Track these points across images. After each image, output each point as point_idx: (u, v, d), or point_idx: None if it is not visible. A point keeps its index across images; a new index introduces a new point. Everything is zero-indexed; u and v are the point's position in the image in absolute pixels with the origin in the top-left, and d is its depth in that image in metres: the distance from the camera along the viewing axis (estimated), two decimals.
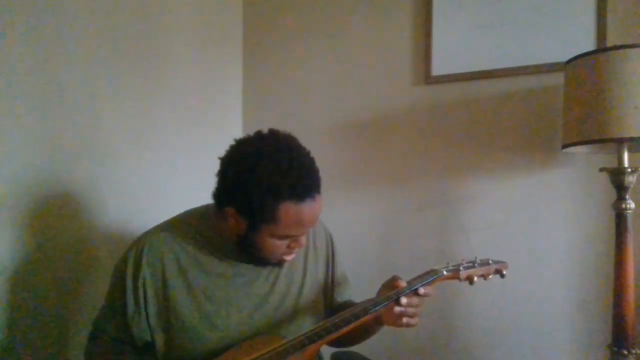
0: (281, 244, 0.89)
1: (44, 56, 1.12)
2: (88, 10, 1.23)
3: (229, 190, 0.88)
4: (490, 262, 0.99)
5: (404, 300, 0.85)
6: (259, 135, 0.90)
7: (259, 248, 0.89)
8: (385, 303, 0.87)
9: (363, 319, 0.86)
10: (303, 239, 0.91)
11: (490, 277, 0.98)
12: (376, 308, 0.86)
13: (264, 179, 0.82)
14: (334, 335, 0.85)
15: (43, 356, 1.13)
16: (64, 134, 1.17)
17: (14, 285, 1.07)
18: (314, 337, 0.85)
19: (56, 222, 1.16)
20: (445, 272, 0.94)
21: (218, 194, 0.91)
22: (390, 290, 0.89)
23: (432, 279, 0.91)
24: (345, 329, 0.85)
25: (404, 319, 0.86)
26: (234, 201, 0.87)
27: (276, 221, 0.84)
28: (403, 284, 0.89)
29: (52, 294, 1.15)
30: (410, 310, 0.86)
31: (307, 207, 0.84)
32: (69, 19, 1.18)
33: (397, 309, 0.86)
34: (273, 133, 0.89)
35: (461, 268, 0.95)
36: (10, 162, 1.06)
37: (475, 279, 0.96)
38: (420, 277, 0.92)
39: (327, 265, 1.09)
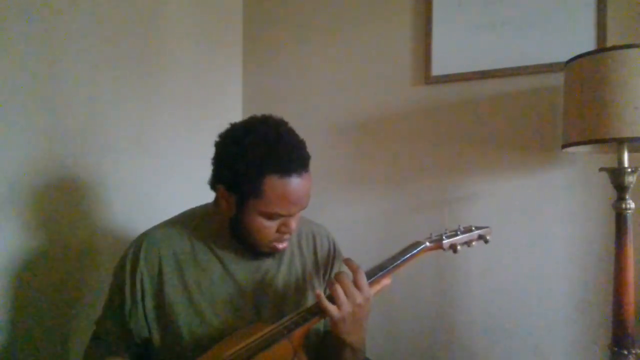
0: (270, 226, 0.87)
1: (44, 56, 1.12)
2: (88, 10, 1.23)
3: (219, 166, 0.89)
4: (473, 228, 0.97)
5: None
6: (251, 116, 0.91)
7: (248, 231, 0.88)
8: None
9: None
10: (293, 223, 0.89)
11: (474, 243, 0.97)
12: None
13: (249, 150, 0.82)
14: (317, 318, 0.85)
15: (44, 356, 1.13)
16: (63, 134, 1.17)
17: (15, 285, 1.07)
18: (299, 321, 0.85)
19: (56, 222, 1.16)
20: (428, 243, 0.93)
21: (211, 176, 0.92)
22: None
23: (395, 263, 0.90)
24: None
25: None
26: (223, 176, 0.87)
27: (262, 195, 0.83)
28: (353, 264, 0.87)
29: (52, 294, 1.15)
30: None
31: (292, 183, 0.83)
32: (69, 19, 1.18)
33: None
34: (264, 115, 0.91)
35: (444, 237, 0.94)
36: (10, 163, 1.06)
37: (459, 247, 0.95)
38: (403, 251, 0.92)
39: (326, 270, 1.07)
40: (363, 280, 0.85)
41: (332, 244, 1.09)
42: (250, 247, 0.93)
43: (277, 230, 0.89)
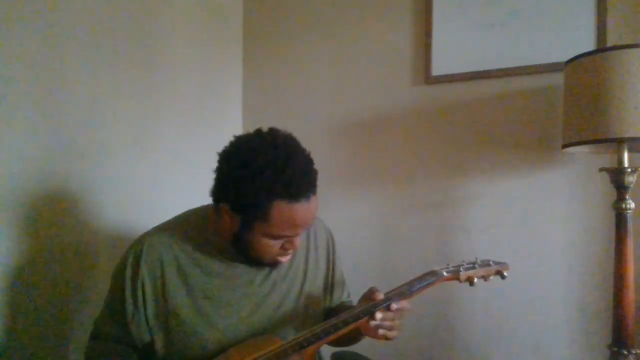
0: (275, 244, 0.88)
1: (44, 56, 1.12)
2: (88, 9, 1.23)
3: (223, 186, 0.88)
4: (491, 263, 0.98)
5: (378, 315, 0.85)
6: (257, 132, 0.89)
7: (252, 247, 0.88)
8: (361, 317, 0.86)
9: (352, 325, 0.86)
10: (297, 241, 0.89)
11: (490, 278, 0.98)
12: (354, 321, 0.86)
13: (257, 175, 0.80)
14: (332, 337, 0.86)
15: (44, 356, 1.13)
16: (63, 134, 1.17)
17: (14, 286, 1.07)
18: (312, 339, 0.85)
19: (56, 222, 1.16)
20: (445, 273, 0.94)
21: (214, 190, 0.91)
22: (368, 301, 0.88)
23: (412, 289, 0.90)
24: (343, 330, 0.86)
25: (380, 331, 0.85)
26: (228, 197, 0.86)
27: (269, 220, 0.82)
28: (380, 296, 0.88)
29: (52, 295, 1.15)
30: (386, 324, 0.85)
31: (301, 208, 0.82)
32: (69, 19, 1.18)
33: (372, 323, 0.85)
34: (272, 131, 0.88)
35: (461, 269, 0.95)
36: (10, 163, 1.06)
37: (476, 280, 0.95)
38: (419, 279, 0.93)
39: (328, 266, 1.08)
40: (399, 323, 0.88)
41: (330, 235, 1.11)
42: (253, 259, 0.92)
43: (281, 247, 0.89)
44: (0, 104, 1.03)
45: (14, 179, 1.06)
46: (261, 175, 0.80)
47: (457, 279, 0.94)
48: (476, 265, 0.97)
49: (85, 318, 1.21)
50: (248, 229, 0.86)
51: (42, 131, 1.12)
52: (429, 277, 0.92)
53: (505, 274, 0.99)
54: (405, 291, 0.89)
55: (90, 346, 0.98)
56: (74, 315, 1.20)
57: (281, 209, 0.81)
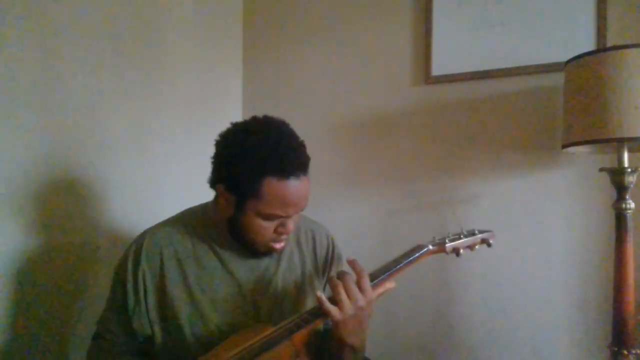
0: (268, 226, 0.89)
1: (44, 55, 1.12)
2: (88, 9, 1.23)
3: (219, 167, 0.91)
4: (476, 232, 0.99)
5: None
6: (252, 117, 0.93)
7: (246, 230, 0.90)
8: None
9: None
10: (290, 224, 0.91)
11: (477, 247, 0.98)
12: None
13: (250, 152, 0.84)
14: (319, 320, 0.86)
15: (44, 356, 1.13)
16: (64, 133, 1.17)
17: (15, 285, 1.07)
18: (301, 323, 0.86)
19: (57, 221, 1.16)
20: (431, 247, 0.95)
21: (211, 175, 0.93)
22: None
23: (399, 265, 0.90)
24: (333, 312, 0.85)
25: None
26: (223, 176, 0.89)
27: (260, 197, 0.84)
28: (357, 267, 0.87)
29: (52, 294, 1.15)
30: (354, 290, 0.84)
31: (291, 186, 0.84)
32: (69, 18, 1.18)
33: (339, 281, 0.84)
34: (266, 116, 0.92)
35: (447, 241, 0.96)
36: (10, 162, 1.06)
37: (462, 251, 0.96)
38: (406, 254, 0.93)
39: (325, 269, 1.07)
40: (367, 284, 0.85)
41: (331, 242, 1.10)
42: (248, 247, 0.94)
43: (275, 231, 0.91)
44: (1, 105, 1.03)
45: (13, 179, 1.06)
46: (253, 152, 0.83)
47: (444, 251, 0.95)
48: (462, 236, 0.97)
49: (85, 317, 1.21)
50: (242, 210, 0.88)
51: (42, 132, 1.12)
52: (415, 252, 0.93)
53: (491, 241, 0.99)
54: (391, 267, 0.90)
55: (92, 346, 0.99)
56: (74, 315, 1.20)
57: (272, 185, 0.84)
